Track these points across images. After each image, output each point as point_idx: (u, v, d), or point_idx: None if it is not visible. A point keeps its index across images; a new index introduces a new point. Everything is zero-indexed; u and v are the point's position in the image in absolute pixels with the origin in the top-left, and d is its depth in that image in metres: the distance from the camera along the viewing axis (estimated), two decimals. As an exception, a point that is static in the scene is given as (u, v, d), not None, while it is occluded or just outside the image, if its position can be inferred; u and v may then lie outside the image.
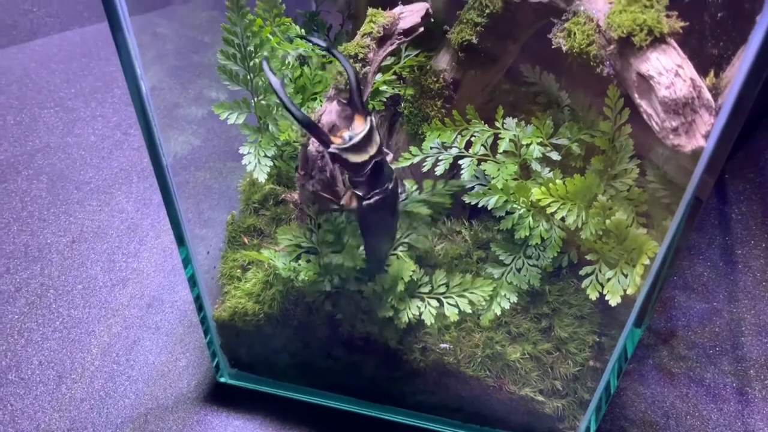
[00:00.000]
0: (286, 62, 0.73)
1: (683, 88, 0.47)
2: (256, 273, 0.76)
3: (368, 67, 0.65)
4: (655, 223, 0.65)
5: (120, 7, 0.52)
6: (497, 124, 0.69)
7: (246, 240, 0.79)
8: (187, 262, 0.73)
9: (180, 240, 0.71)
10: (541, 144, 0.68)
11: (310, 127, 0.55)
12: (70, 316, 0.93)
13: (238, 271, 0.77)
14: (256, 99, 0.71)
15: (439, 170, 0.69)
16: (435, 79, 0.72)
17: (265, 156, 0.71)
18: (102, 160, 1.13)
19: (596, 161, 0.65)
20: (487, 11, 0.66)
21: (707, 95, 0.48)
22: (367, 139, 0.57)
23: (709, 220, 1.03)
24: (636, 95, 0.51)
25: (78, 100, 1.23)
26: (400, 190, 0.68)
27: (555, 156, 0.68)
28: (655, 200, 0.66)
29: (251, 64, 0.69)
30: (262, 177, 0.70)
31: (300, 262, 0.70)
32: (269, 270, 0.74)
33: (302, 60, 0.75)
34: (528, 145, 0.68)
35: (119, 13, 0.52)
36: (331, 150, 0.56)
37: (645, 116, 0.50)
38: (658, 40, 0.48)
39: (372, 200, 0.60)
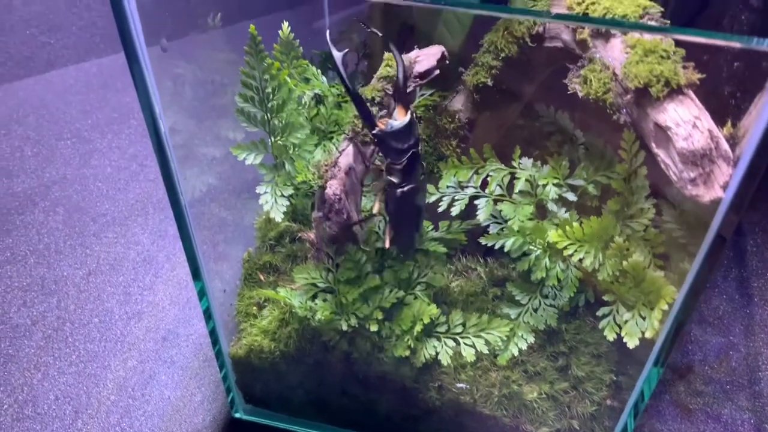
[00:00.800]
0: (303, 102, 0.74)
1: (701, 140, 0.47)
2: (272, 310, 0.76)
3: (385, 110, 0.65)
4: (673, 264, 0.65)
5: (141, 53, 0.53)
6: (513, 164, 0.70)
7: (262, 277, 0.79)
8: (202, 294, 0.74)
9: (195, 273, 0.72)
10: (557, 185, 0.68)
11: (361, 104, 0.60)
12: (86, 350, 0.93)
13: (254, 308, 0.77)
14: (273, 139, 0.72)
15: (455, 211, 0.69)
16: (450, 119, 0.72)
17: (282, 195, 0.71)
18: (118, 192, 1.15)
19: (612, 203, 0.66)
20: (503, 55, 0.66)
21: (725, 146, 0.48)
22: (408, 129, 0.61)
23: (725, 252, 1.03)
24: (653, 144, 0.51)
25: (95, 132, 1.24)
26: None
27: (571, 197, 0.68)
28: (672, 241, 0.66)
29: (269, 106, 0.70)
30: (278, 216, 0.71)
31: (317, 301, 0.70)
32: (285, 308, 0.74)
33: (318, 99, 0.76)
34: (544, 186, 0.68)
35: (140, 56, 0.53)
36: (375, 132, 0.60)
37: (663, 166, 0.50)
38: (675, 92, 0.49)
39: (405, 188, 0.63)
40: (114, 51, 1.35)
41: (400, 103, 0.62)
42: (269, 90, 0.69)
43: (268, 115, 0.70)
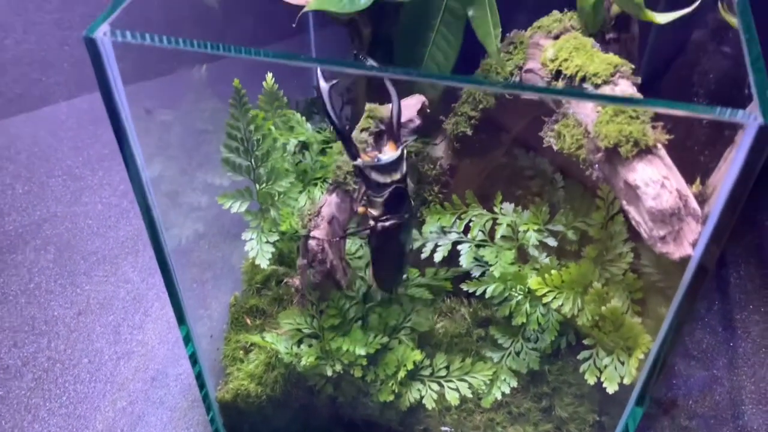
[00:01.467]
0: (288, 150, 0.76)
1: (669, 199, 0.49)
2: (258, 354, 0.77)
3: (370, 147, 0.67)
4: (650, 309, 0.66)
5: (120, 103, 0.54)
6: (495, 209, 0.71)
7: (248, 321, 0.80)
8: (187, 340, 0.75)
9: (180, 319, 0.73)
10: (538, 230, 0.69)
11: (345, 138, 0.60)
12: (76, 391, 0.93)
13: (241, 352, 0.78)
14: (258, 187, 0.73)
15: (438, 257, 0.70)
16: (432, 166, 0.74)
17: (267, 242, 0.73)
18: (109, 229, 1.15)
19: (590, 249, 0.67)
20: (481, 106, 0.68)
21: (693, 204, 0.50)
22: (395, 164, 0.60)
23: (708, 284, 1.04)
24: (624, 201, 0.52)
25: (86, 168, 1.26)
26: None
27: (551, 242, 0.69)
28: (650, 285, 0.68)
29: (254, 155, 0.71)
30: (264, 263, 0.72)
31: (302, 346, 0.71)
32: (271, 352, 0.75)
33: (303, 146, 0.77)
34: (525, 231, 0.69)
35: (119, 111, 0.53)
36: (356, 163, 0.60)
37: (633, 222, 0.52)
38: (644, 152, 0.50)
39: (387, 223, 0.63)
40: (105, 87, 1.37)
41: (392, 138, 0.62)
42: (254, 140, 0.70)
43: (254, 164, 0.72)
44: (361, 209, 0.65)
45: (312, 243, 0.65)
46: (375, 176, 0.60)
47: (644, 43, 0.82)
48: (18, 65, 1.30)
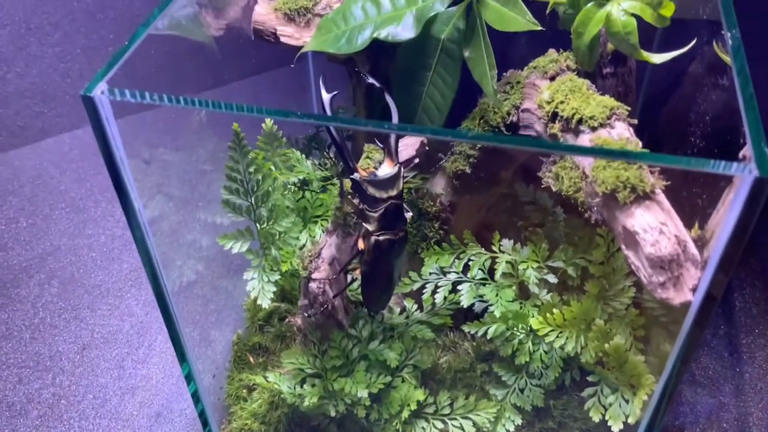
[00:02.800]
0: (288, 188, 0.76)
1: (668, 246, 0.49)
2: (261, 393, 0.77)
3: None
4: (653, 346, 0.66)
5: (120, 159, 0.54)
6: (494, 248, 0.71)
7: (251, 359, 0.80)
8: (189, 379, 0.75)
9: (182, 357, 0.73)
10: (537, 268, 0.69)
11: (343, 151, 0.60)
12: (81, 427, 0.93)
13: (244, 391, 0.78)
14: (259, 227, 0.73)
15: (440, 298, 0.70)
16: (432, 203, 0.74)
17: (269, 281, 0.73)
18: (112, 262, 1.16)
19: (592, 286, 0.67)
20: (479, 145, 0.68)
21: (692, 250, 0.50)
22: (391, 181, 0.61)
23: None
24: (623, 246, 0.52)
25: (89, 200, 1.26)
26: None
27: (552, 279, 0.69)
28: (652, 319, 0.67)
29: (255, 196, 0.71)
30: (265, 303, 0.72)
31: (305, 386, 0.71)
32: (275, 391, 0.75)
33: (304, 183, 0.78)
34: (525, 269, 0.69)
35: (119, 166, 0.54)
36: (353, 177, 0.60)
37: (633, 267, 0.52)
38: (641, 198, 0.50)
39: (381, 238, 0.62)
40: (107, 117, 1.38)
41: (390, 155, 0.62)
42: (254, 181, 0.71)
43: (254, 204, 0.72)
44: (361, 245, 0.65)
45: (313, 285, 0.65)
46: (371, 191, 0.60)
47: (642, 75, 0.83)
48: (20, 98, 1.31)
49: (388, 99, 0.64)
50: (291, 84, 1.12)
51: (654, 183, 0.50)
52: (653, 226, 0.49)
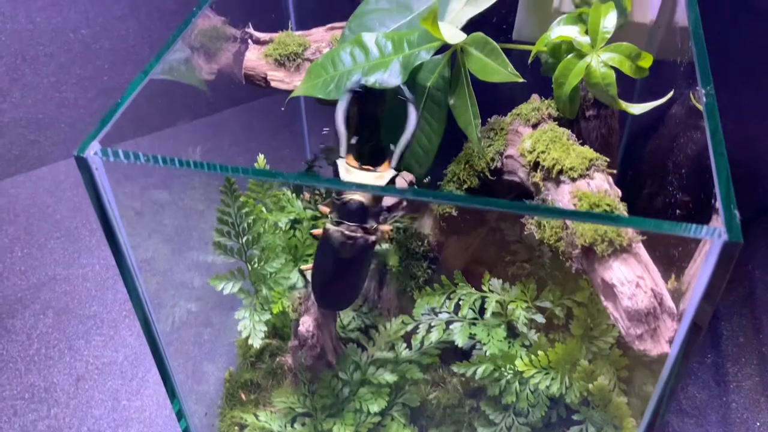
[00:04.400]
0: (279, 228, 0.77)
1: (644, 300, 0.50)
2: (253, 430, 0.78)
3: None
4: (636, 385, 0.67)
5: (114, 217, 0.56)
6: (484, 287, 0.72)
7: (243, 396, 0.81)
8: (180, 415, 0.76)
9: (172, 394, 0.74)
10: (526, 308, 0.70)
11: (340, 136, 0.61)
12: (75, 461, 0.94)
13: (236, 429, 0.79)
14: (250, 267, 0.75)
15: (434, 337, 0.72)
16: (420, 243, 0.75)
17: (260, 321, 0.74)
18: (107, 291, 1.17)
19: (576, 328, 0.68)
20: (465, 186, 0.70)
21: (669, 302, 0.51)
22: (377, 181, 0.60)
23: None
24: (602, 297, 0.54)
25: (84, 229, 1.27)
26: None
27: (540, 318, 0.71)
28: (636, 358, 0.69)
29: (246, 239, 0.73)
30: (256, 343, 0.73)
31: (296, 425, 0.72)
32: (266, 430, 0.76)
33: (295, 222, 0.79)
34: (514, 309, 0.71)
35: (113, 224, 0.55)
36: (336, 159, 0.60)
37: (612, 318, 0.53)
38: (618, 251, 0.52)
39: (332, 228, 0.62)
40: (102, 145, 1.39)
41: (390, 160, 0.62)
42: (245, 224, 0.72)
43: (245, 246, 0.73)
44: (317, 231, 0.66)
45: (302, 330, 0.66)
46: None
47: (625, 115, 0.84)
48: (16, 127, 1.32)
49: (411, 110, 0.63)
50: (284, 111, 1.15)
51: (631, 237, 0.52)
52: (630, 279, 0.51)
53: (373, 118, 0.78)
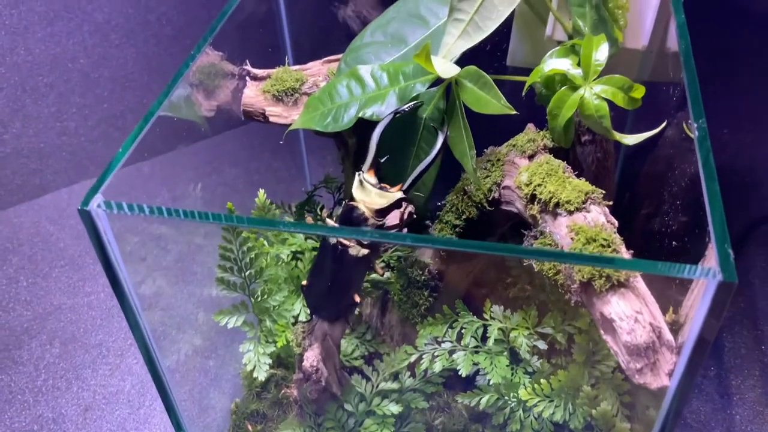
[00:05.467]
0: (281, 260, 0.78)
1: (643, 334, 0.51)
2: (261, 461, 0.79)
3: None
4: (639, 410, 0.68)
5: (119, 267, 0.57)
6: (485, 315, 0.73)
7: (250, 427, 0.82)
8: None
9: (177, 426, 0.74)
10: (528, 335, 0.71)
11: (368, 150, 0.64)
12: (85, 492, 0.95)
13: (245, 459, 0.80)
14: (254, 300, 0.75)
15: (438, 367, 0.72)
16: (420, 272, 0.76)
17: (264, 353, 0.75)
18: (112, 320, 1.18)
19: (578, 354, 0.69)
20: (464, 216, 0.70)
21: (668, 336, 0.52)
22: (380, 198, 0.61)
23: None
24: (602, 331, 0.54)
25: (87, 257, 1.28)
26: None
27: (542, 345, 0.71)
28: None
29: (248, 273, 0.73)
30: (261, 375, 0.74)
31: (303, 457, 0.73)
32: (274, 460, 0.77)
33: (297, 254, 0.80)
34: (516, 337, 0.71)
35: (118, 274, 0.56)
36: (358, 171, 0.63)
37: (612, 351, 0.54)
38: (616, 285, 0.52)
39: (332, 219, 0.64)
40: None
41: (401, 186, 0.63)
42: (247, 259, 0.73)
43: (247, 280, 0.74)
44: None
45: (306, 365, 0.67)
46: (356, 193, 0.62)
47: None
48: (18, 157, 1.33)
49: (439, 138, 0.66)
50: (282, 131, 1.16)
51: (628, 272, 0.52)
52: (629, 314, 0.51)
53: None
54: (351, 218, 0.62)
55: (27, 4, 1.20)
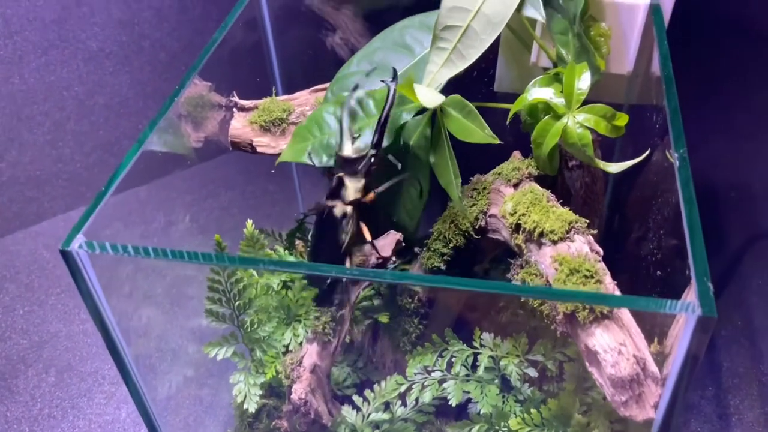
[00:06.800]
0: (271, 289, 0.78)
1: (627, 367, 0.50)
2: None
3: (344, 310, 0.69)
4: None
5: (102, 307, 0.57)
6: (475, 344, 0.73)
7: (243, 457, 0.81)
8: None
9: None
10: (518, 362, 0.71)
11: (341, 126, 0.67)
12: None
13: (237, 491, 0.79)
14: (244, 331, 0.75)
15: (428, 397, 0.72)
16: (410, 299, 0.76)
17: (254, 384, 0.74)
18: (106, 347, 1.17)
19: (569, 383, 0.68)
20: (451, 245, 0.70)
21: (652, 368, 0.51)
22: (356, 162, 0.65)
23: (699, 370, 1.04)
24: (587, 363, 0.54)
25: (83, 283, 1.28)
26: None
27: (532, 372, 0.71)
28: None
29: (237, 304, 0.73)
30: (252, 407, 0.74)
31: (295, 490, 0.73)
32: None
33: (287, 282, 0.80)
34: (506, 365, 0.71)
35: (103, 316, 0.56)
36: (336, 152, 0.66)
37: (597, 383, 0.53)
38: (600, 318, 0.52)
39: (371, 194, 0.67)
40: (100, 197, 1.41)
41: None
42: (236, 291, 0.73)
43: (237, 311, 0.74)
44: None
45: (294, 398, 0.67)
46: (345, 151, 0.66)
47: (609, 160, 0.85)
48: (14, 185, 1.34)
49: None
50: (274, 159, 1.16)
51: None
52: (612, 347, 0.51)
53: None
54: (337, 191, 0.66)
55: (21, 35, 1.21)
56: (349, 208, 0.66)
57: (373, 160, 0.65)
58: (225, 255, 0.51)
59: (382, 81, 0.68)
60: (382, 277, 0.59)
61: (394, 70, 0.66)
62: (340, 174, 0.65)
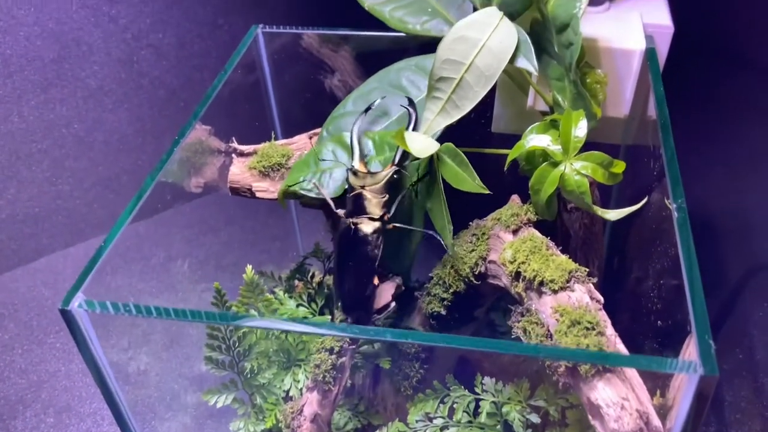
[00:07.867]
0: (271, 332, 0.78)
1: (630, 422, 0.50)
2: None
3: (344, 358, 0.69)
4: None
5: (102, 364, 0.57)
6: (476, 389, 0.72)
7: (244, 505, 0.80)
8: None
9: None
10: (520, 408, 0.70)
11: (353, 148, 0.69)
12: None
13: None
14: (243, 378, 0.75)
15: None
16: (411, 344, 0.75)
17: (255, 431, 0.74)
18: (106, 387, 1.17)
19: (572, 430, 0.68)
20: (451, 290, 0.70)
21: (655, 422, 0.51)
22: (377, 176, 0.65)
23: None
24: (590, 416, 0.54)
25: (82, 321, 1.28)
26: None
27: (535, 418, 0.70)
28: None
29: (237, 351, 0.73)
30: (253, 455, 0.73)
31: None
32: None
33: (286, 326, 0.79)
34: (508, 412, 0.70)
35: (103, 372, 0.56)
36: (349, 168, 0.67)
37: (601, 437, 0.53)
38: (602, 371, 0.52)
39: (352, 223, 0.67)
40: (99, 233, 1.41)
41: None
42: (236, 337, 0.73)
43: (236, 358, 0.74)
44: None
45: (296, 443, 0.67)
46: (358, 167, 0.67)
47: (606, 202, 0.85)
48: (12, 222, 1.34)
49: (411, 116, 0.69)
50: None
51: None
52: (615, 401, 0.51)
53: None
54: (356, 206, 0.66)
55: (20, 74, 1.22)
56: (378, 224, 0.66)
57: (396, 176, 0.66)
58: (227, 314, 0.51)
59: (402, 106, 0.71)
60: (383, 335, 0.59)
61: (409, 99, 0.71)
62: (360, 190, 0.65)
